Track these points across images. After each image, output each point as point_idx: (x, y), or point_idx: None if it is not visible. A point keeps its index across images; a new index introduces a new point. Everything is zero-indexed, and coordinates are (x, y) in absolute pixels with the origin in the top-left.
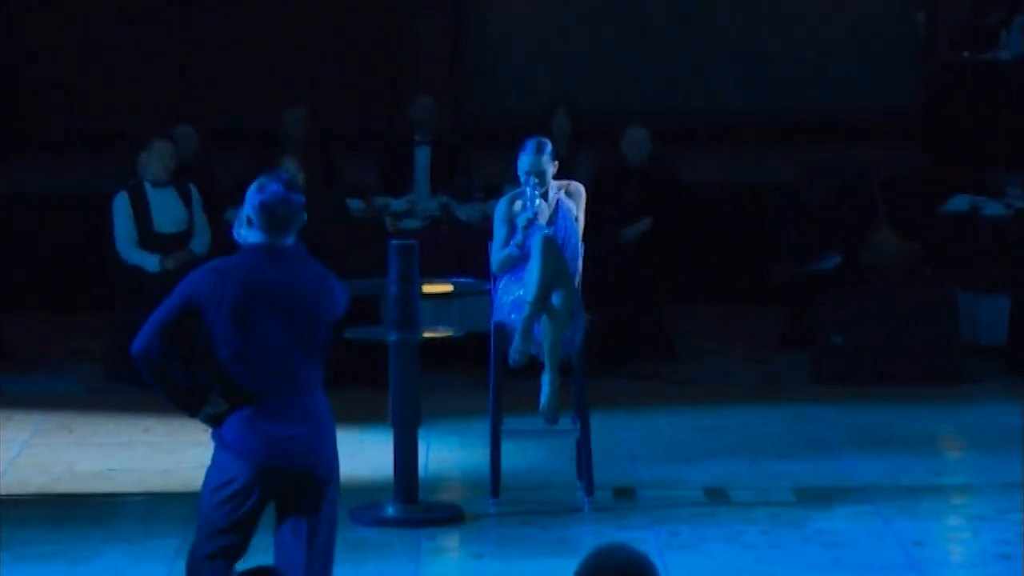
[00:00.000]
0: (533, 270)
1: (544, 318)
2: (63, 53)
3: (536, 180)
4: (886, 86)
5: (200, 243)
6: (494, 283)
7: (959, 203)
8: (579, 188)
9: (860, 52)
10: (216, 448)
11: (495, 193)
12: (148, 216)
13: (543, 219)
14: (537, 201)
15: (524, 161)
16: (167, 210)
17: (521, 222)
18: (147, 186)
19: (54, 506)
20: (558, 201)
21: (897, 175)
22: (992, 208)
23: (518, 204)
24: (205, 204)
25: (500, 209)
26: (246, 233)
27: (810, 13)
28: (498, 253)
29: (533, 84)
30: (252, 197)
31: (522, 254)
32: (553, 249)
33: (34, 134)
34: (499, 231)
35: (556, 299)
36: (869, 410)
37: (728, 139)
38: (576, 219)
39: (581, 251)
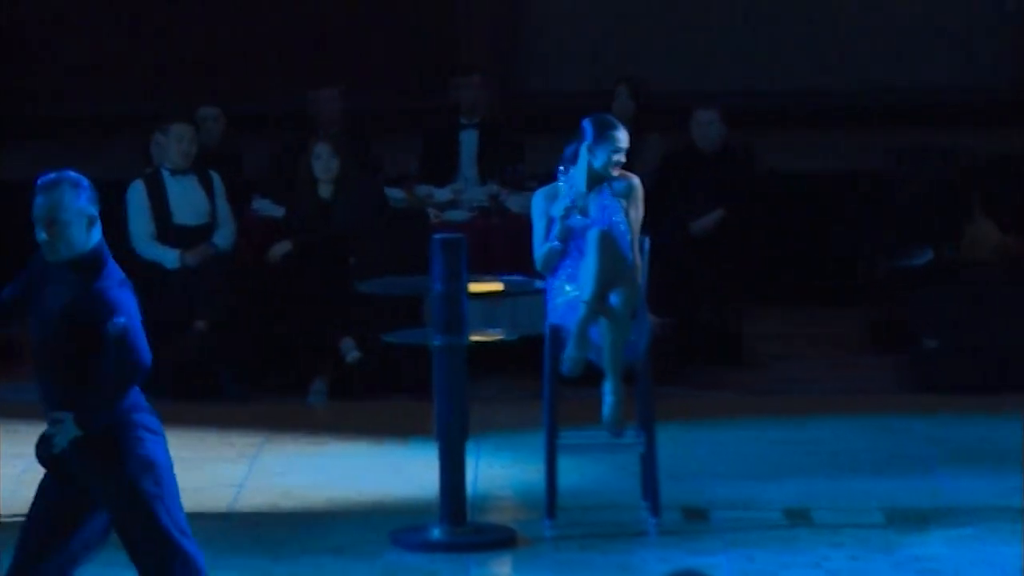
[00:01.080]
0: (588, 268)
1: (602, 320)
2: (70, 27)
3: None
4: (983, 65)
5: (223, 236)
6: (548, 281)
7: None
8: (633, 180)
9: (952, 28)
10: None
11: (550, 181)
12: (166, 207)
13: (579, 210)
14: (577, 189)
15: (604, 138)
16: (187, 200)
17: (558, 211)
18: (165, 174)
19: None
20: (603, 191)
21: (996, 161)
22: None
23: (554, 196)
24: (229, 194)
25: (536, 203)
26: None
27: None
28: (539, 250)
29: (592, 61)
30: None
31: (563, 248)
32: (609, 244)
33: (41, 117)
34: (538, 226)
35: (615, 299)
36: (968, 422)
37: (809, 123)
38: (627, 213)
39: (641, 248)
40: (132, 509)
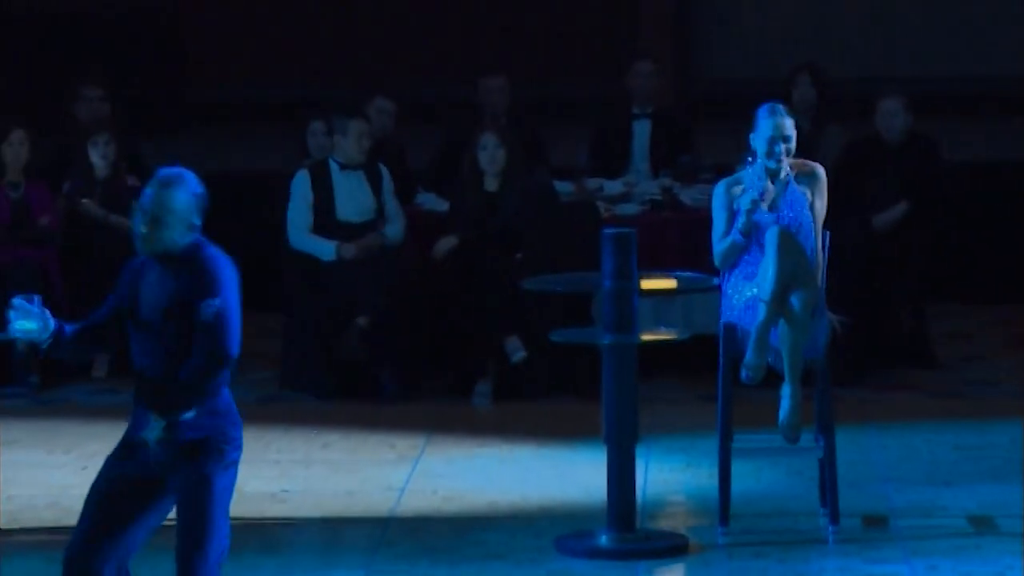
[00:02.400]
0: (768, 268)
1: (782, 323)
2: (229, 15)
3: (768, 148)
4: None
5: (394, 230)
6: (724, 277)
7: None
8: (818, 170)
9: None
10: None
11: (725, 174)
12: (331, 201)
13: (765, 203)
14: (765, 182)
15: (765, 126)
16: (353, 196)
17: (744, 204)
18: (333, 167)
19: None
20: (788, 183)
21: None
22: None
23: (737, 188)
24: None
25: (718, 194)
26: None
27: None
28: (719, 244)
29: (771, 48)
30: None
31: (746, 242)
32: (790, 243)
33: (199, 106)
34: (718, 219)
35: (796, 301)
36: None
37: (1000, 111)
38: (812, 206)
39: (823, 243)
40: (199, 527)
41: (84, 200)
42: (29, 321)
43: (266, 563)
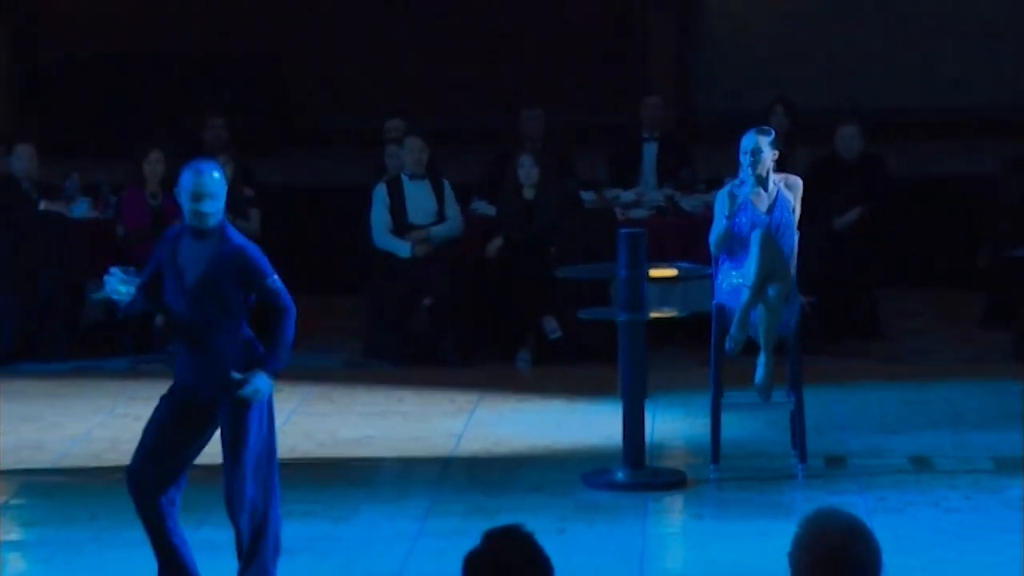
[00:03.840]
0: (751, 262)
1: (760, 306)
2: (321, 54)
3: (751, 159)
4: None
5: (445, 227)
6: (715, 267)
7: None
8: (796, 181)
9: None
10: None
11: (717, 185)
12: (403, 207)
13: (762, 207)
14: (752, 179)
15: (745, 141)
16: (420, 203)
17: (740, 195)
18: (404, 179)
19: (318, 469)
20: (778, 191)
21: None
22: None
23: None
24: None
25: (721, 199)
26: None
27: (1007, 15)
28: (714, 235)
29: (753, 85)
30: None
31: (729, 225)
32: (770, 244)
33: (300, 132)
34: (719, 214)
35: (771, 290)
36: None
37: (934, 134)
38: (793, 210)
39: (796, 239)
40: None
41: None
42: (123, 286)
43: (354, 493)
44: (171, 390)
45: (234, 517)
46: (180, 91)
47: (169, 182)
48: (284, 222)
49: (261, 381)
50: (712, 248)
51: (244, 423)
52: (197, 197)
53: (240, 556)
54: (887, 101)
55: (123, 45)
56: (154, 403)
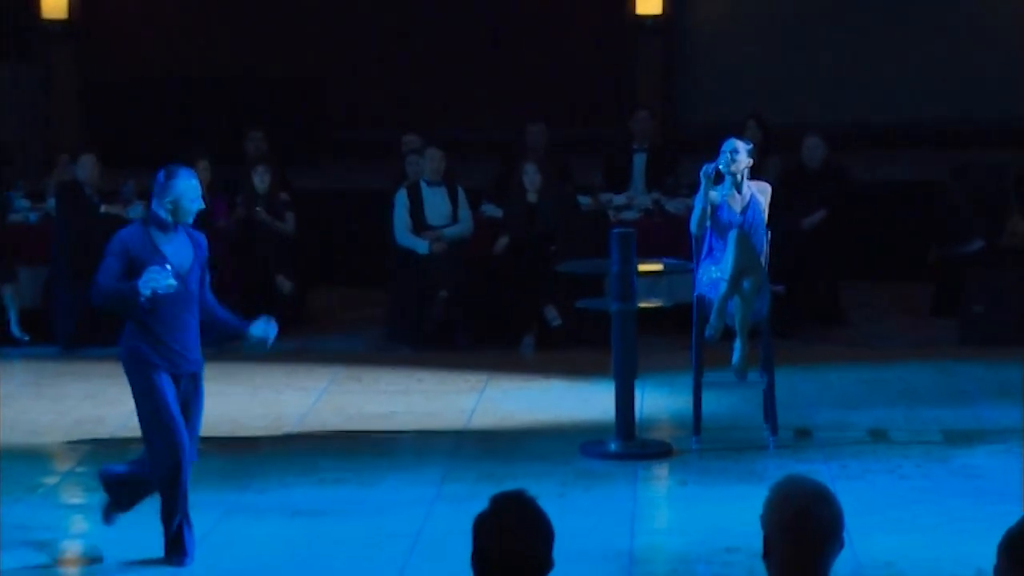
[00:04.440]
0: (728, 258)
1: (736, 297)
2: (352, 81)
3: (729, 156)
4: (1019, 103)
5: (455, 229)
6: (696, 250)
7: None
8: (766, 187)
9: (999, 73)
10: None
11: (698, 190)
12: (422, 210)
13: (737, 208)
14: (724, 164)
15: (727, 143)
16: (436, 206)
17: (719, 196)
18: (423, 185)
19: (347, 441)
20: (751, 195)
21: None
22: None
23: (713, 194)
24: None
25: (699, 192)
26: None
27: (955, 45)
28: (693, 220)
29: (730, 101)
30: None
31: (705, 209)
32: (745, 243)
33: (331, 144)
34: (697, 207)
35: (746, 283)
36: (1005, 367)
37: (888, 145)
38: (763, 211)
39: (767, 237)
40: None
41: (258, 209)
42: (166, 279)
43: (379, 462)
44: (154, 368)
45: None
46: (226, 108)
47: (214, 188)
48: (316, 223)
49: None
50: (693, 229)
51: (199, 392)
52: (197, 198)
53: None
54: (847, 116)
55: (177, 68)
56: (204, 386)
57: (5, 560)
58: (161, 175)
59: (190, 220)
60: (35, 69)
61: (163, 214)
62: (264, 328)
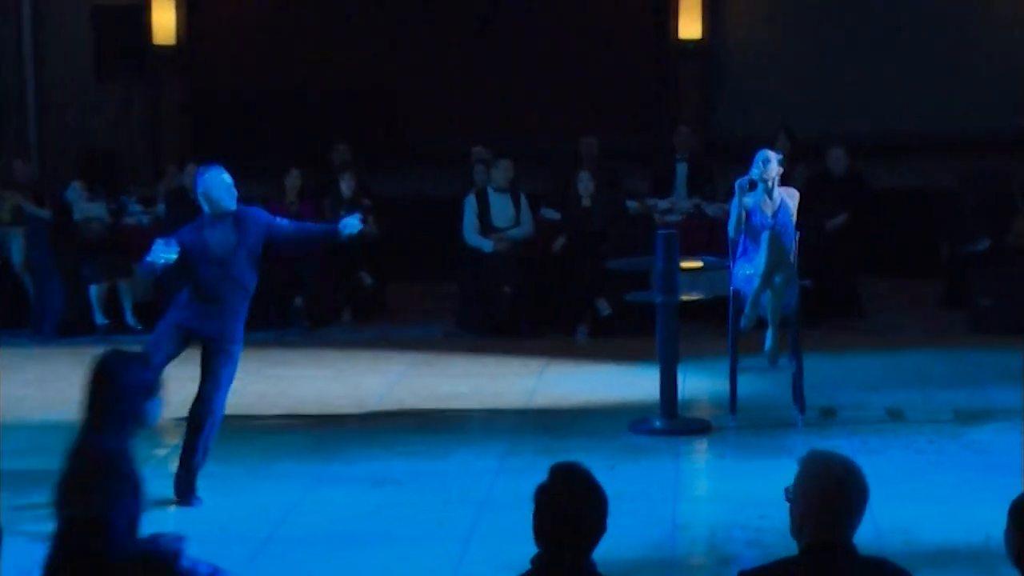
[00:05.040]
0: (761, 257)
1: (768, 291)
2: (426, 96)
3: (762, 166)
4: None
5: (517, 231)
6: (732, 252)
7: None
8: (794, 193)
9: (1005, 88)
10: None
11: (733, 197)
12: (488, 213)
13: (769, 212)
14: (760, 180)
15: (760, 153)
16: (501, 210)
17: (752, 201)
18: (490, 191)
19: (421, 418)
20: (781, 200)
21: None
22: None
23: (747, 200)
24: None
25: (735, 200)
26: None
27: (964, 64)
28: (730, 225)
29: (763, 116)
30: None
31: (741, 214)
32: (777, 243)
33: (407, 154)
34: (732, 213)
35: (777, 278)
36: (1009, 354)
37: (904, 154)
38: (792, 215)
39: (795, 238)
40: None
41: (342, 213)
42: (165, 253)
43: (448, 437)
44: (176, 315)
45: (202, 417)
46: (314, 121)
47: (305, 194)
48: (394, 225)
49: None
50: (731, 233)
51: (224, 353)
52: (225, 191)
53: (190, 447)
54: (867, 129)
55: (270, 86)
56: (295, 370)
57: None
58: (197, 172)
59: (223, 209)
60: (146, 89)
61: (203, 205)
62: (351, 223)
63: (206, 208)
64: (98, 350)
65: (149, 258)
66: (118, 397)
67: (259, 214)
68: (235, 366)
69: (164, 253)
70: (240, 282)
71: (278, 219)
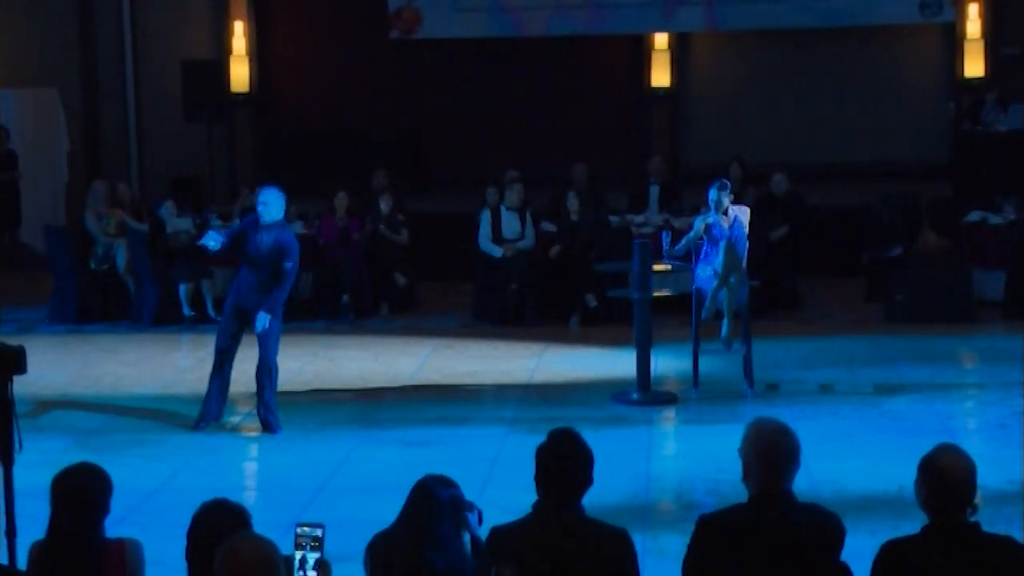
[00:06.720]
0: (719, 262)
1: (724, 290)
2: (446, 133)
3: (715, 205)
4: (930, 147)
5: (523, 243)
6: (693, 265)
7: (974, 216)
8: (746, 209)
9: (913, 126)
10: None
11: (696, 212)
12: (499, 226)
13: (725, 225)
14: (712, 214)
15: (711, 193)
16: (510, 225)
17: (699, 222)
18: (503, 208)
19: (443, 391)
20: (735, 216)
21: (937, 200)
22: (994, 219)
23: (705, 220)
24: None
25: (696, 224)
26: None
27: (882, 104)
28: (684, 239)
29: (719, 148)
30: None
31: (699, 234)
32: (732, 250)
33: (431, 178)
34: (691, 234)
35: (732, 279)
36: (919, 339)
37: (836, 178)
38: (744, 227)
39: (746, 245)
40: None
41: (381, 226)
42: (213, 240)
43: (466, 407)
44: (231, 297)
45: (261, 374)
46: (359, 153)
47: (351, 211)
48: (423, 236)
49: (260, 317)
50: (681, 243)
51: (255, 324)
52: (261, 204)
53: (262, 392)
54: (804, 157)
55: (323, 124)
56: (343, 353)
57: (195, 478)
58: (261, 187)
59: (265, 220)
60: (223, 128)
61: (259, 210)
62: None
63: (262, 213)
64: (185, 336)
65: (202, 241)
66: (441, 516)
67: (286, 245)
68: (277, 329)
69: (212, 241)
70: (271, 269)
71: (284, 261)
